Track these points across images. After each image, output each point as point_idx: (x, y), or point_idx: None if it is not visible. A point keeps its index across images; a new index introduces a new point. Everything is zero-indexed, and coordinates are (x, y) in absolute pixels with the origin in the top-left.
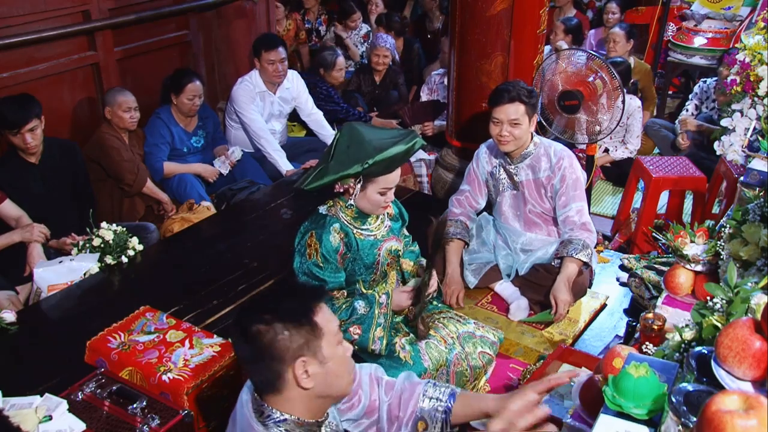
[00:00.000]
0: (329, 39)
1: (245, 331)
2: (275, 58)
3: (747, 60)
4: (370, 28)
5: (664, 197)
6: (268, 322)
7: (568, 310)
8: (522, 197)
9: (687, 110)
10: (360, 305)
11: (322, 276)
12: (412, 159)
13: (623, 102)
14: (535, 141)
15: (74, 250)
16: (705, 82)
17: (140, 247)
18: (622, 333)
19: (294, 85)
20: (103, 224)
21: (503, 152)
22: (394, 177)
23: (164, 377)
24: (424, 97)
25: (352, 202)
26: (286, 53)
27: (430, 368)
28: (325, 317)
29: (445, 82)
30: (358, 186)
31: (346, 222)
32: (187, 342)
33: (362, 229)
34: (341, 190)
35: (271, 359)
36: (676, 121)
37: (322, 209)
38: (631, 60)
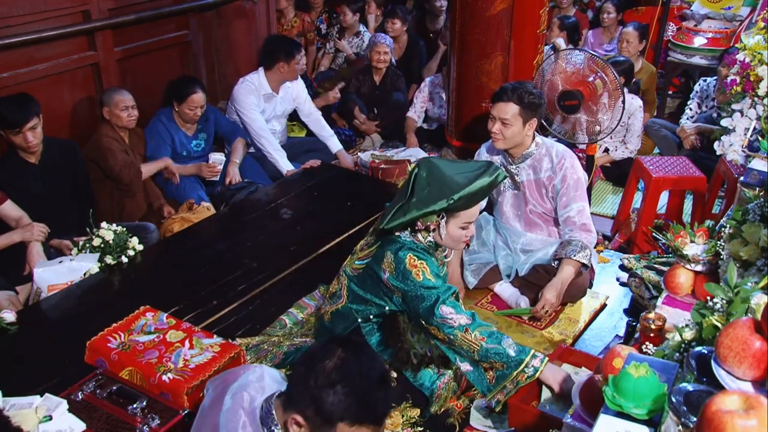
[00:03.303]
0: (329, 49)
1: (321, 368)
2: (301, 58)
3: (747, 60)
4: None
5: (664, 197)
6: (330, 390)
7: (548, 311)
8: (523, 197)
9: (690, 109)
10: (508, 342)
11: (441, 284)
12: (412, 159)
13: (623, 102)
14: (537, 141)
15: (74, 250)
16: (705, 81)
17: (140, 247)
18: (622, 333)
19: (294, 84)
20: (103, 224)
21: (502, 150)
22: (476, 210)
23: (164, 377)
24: (418, 103)
25: (431, 239)
26: None
27: (449, 372)
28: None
29: (440, 92)
30: (443, 221)
31: (427, 248)
32: (187, 342)
33: (436, 255)
34: (422, 228)
35: (308, 398)
36: (677, 130)
37: (405, 236)
38: (640, 61)
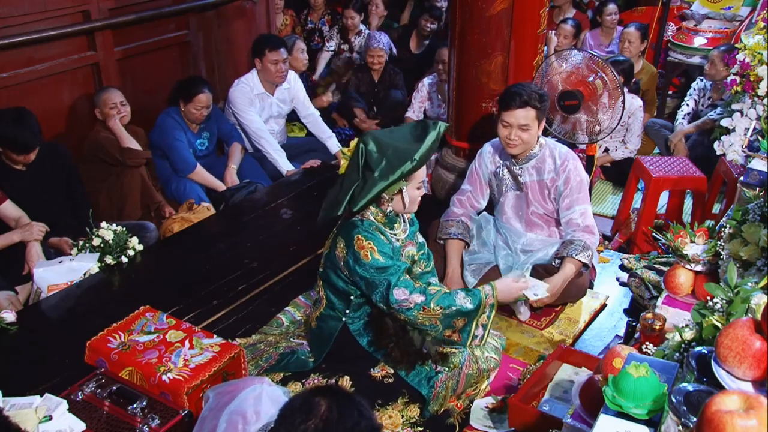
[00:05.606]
0: (329, 47)
1: (303, 430)
2: (278, 59)
3: (747, 60)
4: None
5: (664, 197)
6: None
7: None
8: (525, 198)
9: (687, 105)
10: (460, 297)
11: (391, 263)
12: None
13: (623, 102)
14: (540, 142)
15: (74, 250)
16: (702, 80)
17: (140, 247)
18: (622, 333)
19: (292, 85)
20: (103, 224)
21: (509, 154)
22: (424, 169)
23: (164, 377)
24: (416, 104)
25: (390, 208)
26: (287, 54)
27: (446, 370)
28: None
29: (438, 93)
30: (406, 186)
31: (378, 226)
32: (187, 342)
33: (391, 233)
34: (388, 198)
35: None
36: (675, 124)
37: (357, 218)
38: (640, 62)
